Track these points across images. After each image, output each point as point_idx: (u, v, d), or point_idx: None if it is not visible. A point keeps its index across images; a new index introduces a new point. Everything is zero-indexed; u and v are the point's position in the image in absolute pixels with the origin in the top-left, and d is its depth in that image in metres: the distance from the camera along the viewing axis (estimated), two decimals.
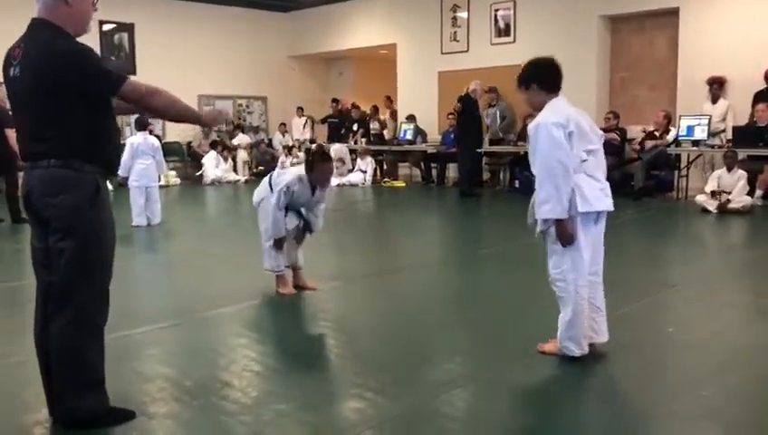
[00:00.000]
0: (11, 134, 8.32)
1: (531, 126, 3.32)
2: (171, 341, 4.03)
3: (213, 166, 14.16)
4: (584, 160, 3.31)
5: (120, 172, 8.38)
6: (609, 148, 10.45)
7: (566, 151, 3.20)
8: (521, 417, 3.00)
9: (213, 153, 14.32)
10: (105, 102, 2.72)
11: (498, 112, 12.34)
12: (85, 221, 2.62)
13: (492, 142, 12.11)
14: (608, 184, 3.44)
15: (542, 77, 3.39)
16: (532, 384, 3.32)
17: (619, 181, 10.61)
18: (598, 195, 3.33)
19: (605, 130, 10.79)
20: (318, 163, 4.62)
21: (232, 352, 3.80)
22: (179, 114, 2.76)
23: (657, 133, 10.30)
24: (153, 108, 2.71)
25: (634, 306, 4.58)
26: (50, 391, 2.76)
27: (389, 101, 14.64)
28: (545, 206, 3.25)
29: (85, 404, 2.70)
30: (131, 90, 2.64)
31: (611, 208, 3.44)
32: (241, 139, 15.25)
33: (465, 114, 11.13)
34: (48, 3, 2.62)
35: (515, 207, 10.24)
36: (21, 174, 8.77)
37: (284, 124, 16.08)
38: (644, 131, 10.66)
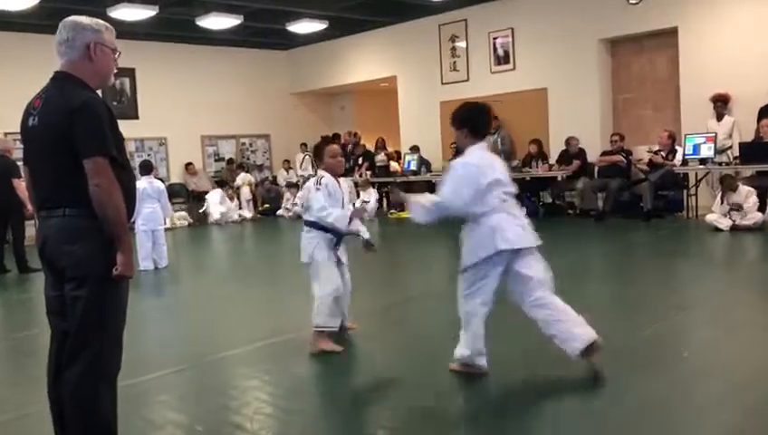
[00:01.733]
0: (18, 184, 8.40)
1: (454, 162, 3.72)
2: (181, 386, 3.95)
3: (217, 202, 14.12)
4: (504, 201, 3.65)
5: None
6: (615, 170, 10.57)
7: (468, 191, 3.55)
8: None
9: (218, 190, 14.32)
10: (122, 159, 2.71)
11: (499, 140, 12.33)
12: (101, 269, 2.60)
13: None
14: (527, 221, 3.76)
15: (474, 123, 3.71)
16: (551, 413, 3.25)
17: (628, 203, 10.55)
18: (519, 233, 3.63)
19: (610, 153, 10.81)
20: (323, 146, 4.62)
21: (243, 395, 3.73)
22: (114, 225, 2.56)
23: (662, 154, 10.23)
24: (102, 200, 2.53)
25: (651, 330, 4.53)
26: None
27: (383, 141, 14.69)
28: (421, 213, 3.72)
29: None
30: (93, 168, 2.53)
31: (533, 244, 3.69)
32: (243, 178, 15.25)
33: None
34: (73, 59, 2.67)
35: None
36: (29, 223, 9.03)
37: (288, 161, 16.11)
38: (650, 151, 10.61)
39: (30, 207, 9.35)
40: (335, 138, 15.32)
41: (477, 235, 3.61)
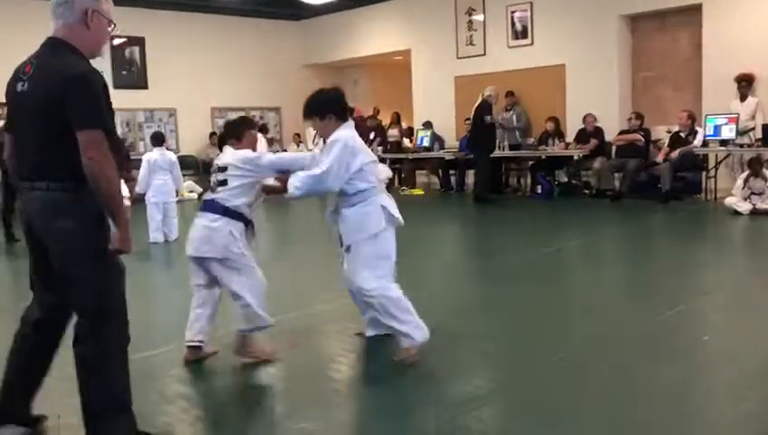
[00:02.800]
0: None
1: (332, 138, 3.56)
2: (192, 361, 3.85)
3: None
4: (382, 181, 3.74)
5: (138, 189, 8.32)
6: (633, 150, 10.36)
7: (346, 169, 3.48)
8: (551, 432, 2.80)
9: None
10: (114, 128, 2.64)
11: (515, 117, 12.13)
12: (92, 245, 2.55)
13: (511, 147, 11.86)
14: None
15: (338, 109, 3.66)
16: (559, 397, 3.14)
17: (645, 184, 10.36)
18: (397, 210, 3.73)
19: (628, 132, 10.59)
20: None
21: (255, 371, 3.63)
22: (108, 198, 2.49)
23: (682, 135, 10.01)
24: (96, 173, 2.44)
25: (669, 314, 4.42)
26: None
27: (398, 116, 14.45)
28: (297, 187, 3.43)
29: (119, 428, 2.63)
30: (89, 140, 2.44)
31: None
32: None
33: (477, 120, 10.89)
34: (69, 23, 2.57)
35: (537, 214, 10.10)
36: None
37: (298, 135, 15.94)
38: (668, 132, 10.39)
39: None
40: (351, 111, 15.16)
41: (366, 211, 3.58)
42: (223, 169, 3.63)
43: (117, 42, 13.99)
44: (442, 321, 4.57)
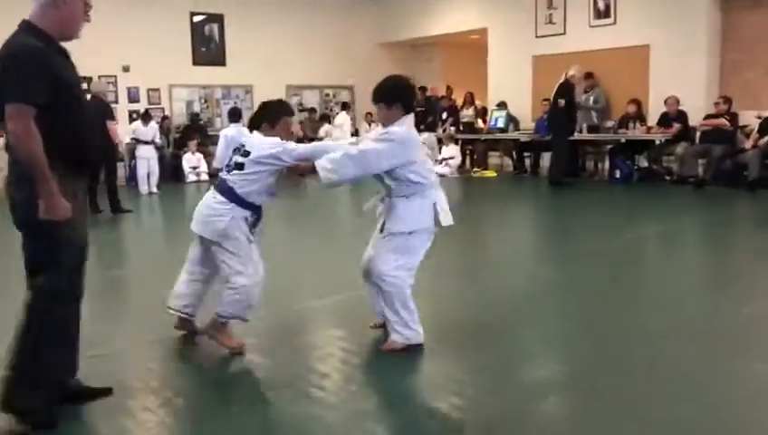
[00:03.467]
0: (112, 127, 8.70)
1: (391, 128, 3.47)
2: (264, 332, 3.90)
3: None
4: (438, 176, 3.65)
5: (215, 163, 8.47)
6: (719, 135, 9.89)
7: (388, 161, 3.40)
8: (624, 422, 2.69)
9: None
10: (66, 102, 2.69)
11: (593, 98, 11.77)
12: (31, 218, 2.62)
13: (590, 130, 11.52)
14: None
15: (407, 99, 3.58)
16: (634, 389, 3.01)
17: (731, 171, 9.90)
18: (447, 209, 3.65)
19: (714, 117, 10.12)
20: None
21: (327, 345, 3.68)
22: (29, 169, 2.57)
23: None
24: (15, 144, 2.58)
25: (755, 308, 4.22)
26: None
27: (472, 96, 14.21)
28: (329, 169, 3.34)
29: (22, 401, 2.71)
30: (9, 113, 2.55)
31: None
32: (326, 129, 15.15)
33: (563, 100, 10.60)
34: (40, 4, 2.70)
35: (614, 199, 9.79)
36: (120, 164, 9.40)
37: (370, 114, 15.89)
38: (758, 117, 9.87)
39: (121, 149, 9.84)
40: (422, 90, 15.05)
41: (417, 205, 3.50)
42: (246, 153, 3.50)
43: (197, 19, 14.26)
44: (514, 305, 4.50)
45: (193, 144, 13.09)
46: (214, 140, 11.37)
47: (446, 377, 3.26)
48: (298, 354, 3.61)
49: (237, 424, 2.79)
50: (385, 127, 3.54)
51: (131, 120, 12.61)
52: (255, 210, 3.57)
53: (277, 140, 3.53)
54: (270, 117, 3.62)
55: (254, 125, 3.68)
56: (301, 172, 3.53)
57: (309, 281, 5.24)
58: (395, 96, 3.52)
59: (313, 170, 3.37)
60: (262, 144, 3.50)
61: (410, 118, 3.57)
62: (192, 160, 13.07)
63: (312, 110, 15.88)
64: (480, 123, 13.89)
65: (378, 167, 3.40)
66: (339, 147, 3.57)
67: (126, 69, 13.44)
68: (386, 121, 3.55)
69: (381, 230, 3.59)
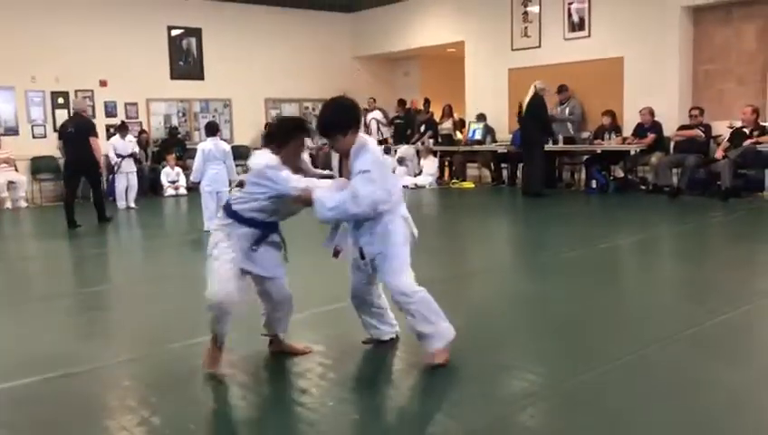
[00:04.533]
0: (95, 142, 8.96)
1: (357, 146, 3.36)
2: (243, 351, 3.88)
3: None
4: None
5: (192, 177, 8.47)
6: (693, 145, 10.05)
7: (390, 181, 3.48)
8: (607, 431, 2.73)
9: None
10: None
11: (568, 110, 11.92)
12: None
13: (566, 141, 11.65)
14: None
15: (357, 118, 3.52)
16: (615, 396, 3.05)
17: (705, 180, 10.06)
18: (413, 224, 3.58)
19: (688, 127, 10.29)
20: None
21: (304, 362, 3.65)
22: None
23: (745, 131, 9.68)
24: None
25: (732, 314, 4.27)
26: None
27: (450, 109, 14.32)
28: (330, 208, 3.27)
29: None
30: None
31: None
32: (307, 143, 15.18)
33: (531, 114, 10.73)
34: None
35: (591, 209, 9.90)
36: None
37: None
38: (730, 127, 10.05)
39: (101, 164, 9.91)
40: (401, 103, 15.14)
41: (396, 220, 3.45)
42: (248, 170, 3.46)
43: (174, 33, 14.23)
44: (492, 316, 4.54)
45: (171, 158, 13.04)
46: (192, 153, 11.33)
47: (425, 389, 3.28)
48: (278, 371, 3.60)
49: None
50: (341, 153, 3.45)
51: (109, 135, 12.53)
52: (260, 226, 3.43)
53: (276, 162, 3.35)
54: (280, 136, 3.46)
55: (266, 142, 3.55)
56: (300, 202, 3.38)
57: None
58: (348, 121, 3.38)
59: (310, 203, 3.29)
60: (258, 166, 3.36)
61: (360, 134, 3.43)
62: (170, 174, 13.02)
63: None
64: (458, 135, 14.00)
65: (373, 209, 3.31)
66: (332, 183, 3.46)
67: (103, 83, 13.37)
68: (345, 148, 3.39)
69: (362, 257, 3.50)
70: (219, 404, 3.23)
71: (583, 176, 11.78)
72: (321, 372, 3.50)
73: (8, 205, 11.67)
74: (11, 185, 11.80)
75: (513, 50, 13.15)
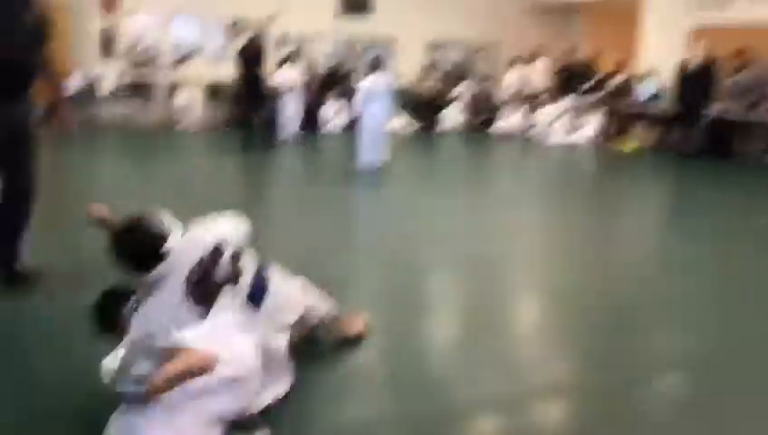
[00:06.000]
0: (264, 71, 9.47)
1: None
2: (373, 279, 4.02)
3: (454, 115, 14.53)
4: None
5: (353, 114, 8.70)
6: None
7: None
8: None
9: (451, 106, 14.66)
10: None
11: (746, 77, 10.89)
12: None
13: (740, 109, 10.70)
14: None
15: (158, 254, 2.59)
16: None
17: None
18: None
19: None
20: None
21: (427, 298, 3.70)
22: None
23: None
24: None
25: None
26: None
27: (622, 61, 13.52)
28: None
29: None
30: None
31: None
32: (465, 86, 15.09)
33: (697, 77, 10.05)
34: None
35: (764, 181, 9.13)
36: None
37: (514, 69, 15.51)
38: None
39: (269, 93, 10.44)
40: (567, 54, 14.52)
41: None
42: None
43: None
44: (643, 278, 4.36)
45: (332, 94, 13.38)
46: (353, 91, 11.58)
47: (568, 344, 3.23)
48: None
49: None
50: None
51: (276, 67, 13.02)
52: None
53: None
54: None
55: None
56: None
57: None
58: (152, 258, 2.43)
59: None
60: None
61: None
62: (331, 111, 13.39)
63: (454, 66, 15.74)
64: (628, 92, 13.27)
65: None
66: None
67: (272, 17, 13.84)
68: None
69: None
70: None
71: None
72: None
73: (184, 125, 12.53)
74: (187, 107, 12.63)
75: (695, 8, 12.14)
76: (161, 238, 2.38)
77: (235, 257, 2.45)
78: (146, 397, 2.00)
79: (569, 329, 3.34)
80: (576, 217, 6.12)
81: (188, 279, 2.29)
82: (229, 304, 2.31)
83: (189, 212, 2.74)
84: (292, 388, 2.39)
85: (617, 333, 3.32)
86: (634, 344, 3.18)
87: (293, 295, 2.58)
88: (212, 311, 2.28)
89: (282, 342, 2.47)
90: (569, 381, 2.74)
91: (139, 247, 2.36)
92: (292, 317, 2.52)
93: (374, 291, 3.81)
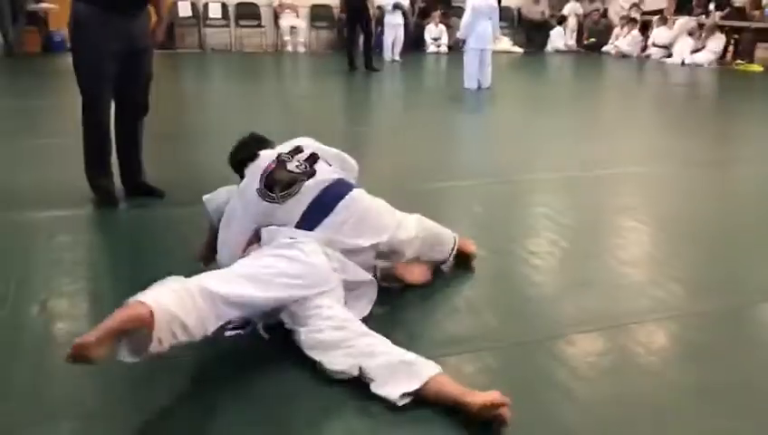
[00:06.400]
0: None
1: None
2: (485, 197, 4.04)
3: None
4: None
5: (459, 34, 8.55)
6: None
7: None
8: None
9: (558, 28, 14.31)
10: None
11: None
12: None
13: None
14: None
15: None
16: None
17: None
18: None
19: None
20: None
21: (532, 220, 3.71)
22: None
23: None
24: None
25: None
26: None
27: None
28: None
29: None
30: None
31: None
32: (571, 7, 14.54)
33: None
34: None
35: None
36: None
37: None
38: None
39: (372, 14, 10.38)
40: None
41: None
42: None
43: None
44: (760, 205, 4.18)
45: (436, 15, 13.14)
46: (458, 12, 11.33)
47: (658, 270, 3.16)
48: None
49: None
50: None
51: None
52: None
53: None
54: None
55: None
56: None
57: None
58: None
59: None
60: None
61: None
62: (434, 32, 13.17)
63: None
64: (754, 9, 12.31)
65: None
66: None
67: None
68: None
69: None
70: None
71: None
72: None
73: (289, 48, 12.68)
74: (293, 30, 12.74)
75: None
76: (264, 143, 2.70)
77: (313, 157, 2.55)
78: None
79: (675, 255, 3.26)
80: (691, 141, 5.85)
81: (266, 168, 2.49)
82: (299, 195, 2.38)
83: (293, 133, 2.83)
84: (402, 305, 2.49)
85: (724, 261, 3.21)
86: (741, 272, 3.08)
87: (374, 220, 2.45)
88: (280, 200, 2.38)
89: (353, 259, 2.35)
90: (674, 304, 2.69)
91: (242, 146, 2.67)
92: (364, 242, 2.38)
93: (476, 213, 3.82)
